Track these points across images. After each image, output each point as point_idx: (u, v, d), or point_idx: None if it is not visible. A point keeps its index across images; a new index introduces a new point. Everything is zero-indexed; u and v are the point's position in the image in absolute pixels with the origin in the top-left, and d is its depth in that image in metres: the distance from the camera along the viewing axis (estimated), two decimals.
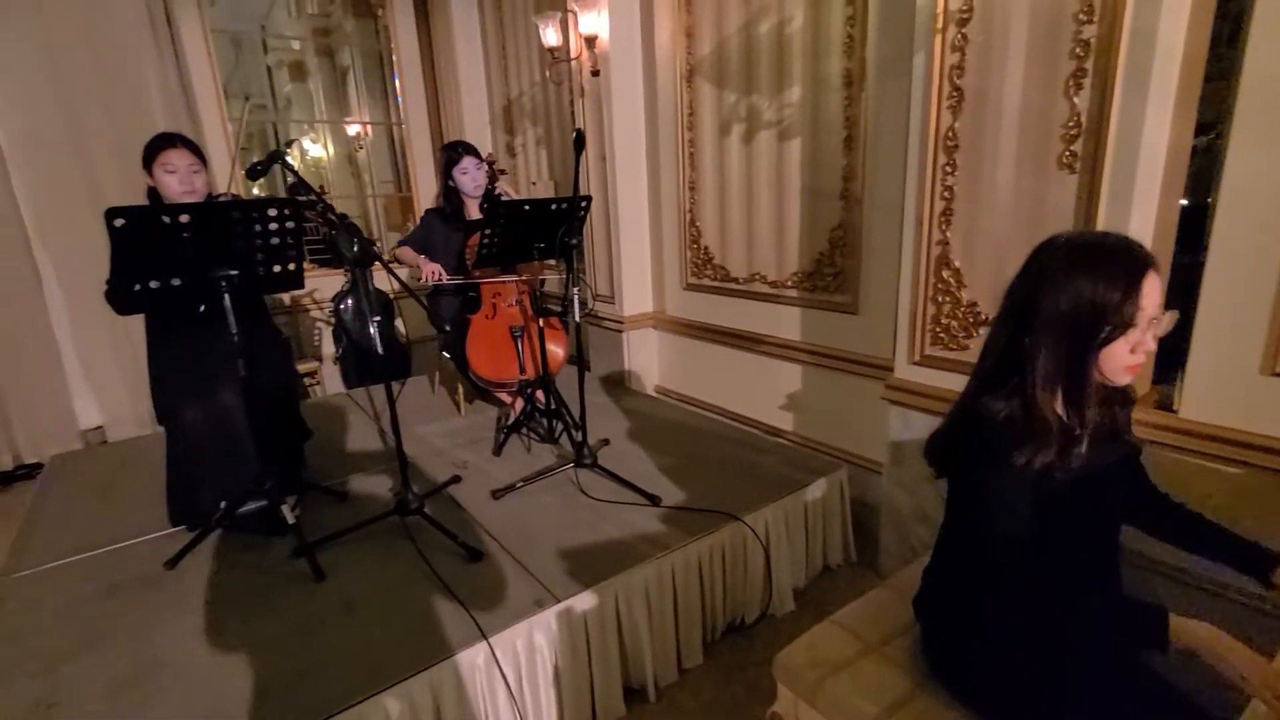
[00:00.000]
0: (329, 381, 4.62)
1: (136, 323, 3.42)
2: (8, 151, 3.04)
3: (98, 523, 2.21)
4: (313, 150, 8.24)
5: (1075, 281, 0.95)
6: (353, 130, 7.30)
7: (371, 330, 1.97)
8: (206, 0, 4.00)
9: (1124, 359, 0.97)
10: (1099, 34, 1.54)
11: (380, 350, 1.92)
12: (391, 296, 4.59)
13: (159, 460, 2.55)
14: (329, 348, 4.71)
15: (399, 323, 4.72)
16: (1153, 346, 0.98)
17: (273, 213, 1.79)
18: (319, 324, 4.73)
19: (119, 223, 1.54)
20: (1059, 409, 1.01)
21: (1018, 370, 1.01)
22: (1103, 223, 1.60)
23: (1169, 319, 0.99)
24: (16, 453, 3.26)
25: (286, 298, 4.43)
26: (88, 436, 3.46)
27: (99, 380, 3.38)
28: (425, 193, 5.07)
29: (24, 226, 3.13)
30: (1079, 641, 0.99)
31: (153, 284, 1.69)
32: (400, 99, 4.96)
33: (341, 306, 4.45)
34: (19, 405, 3.22)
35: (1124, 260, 0.95)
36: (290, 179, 1.86)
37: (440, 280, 2.64)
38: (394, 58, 4.86)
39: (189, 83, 3.61)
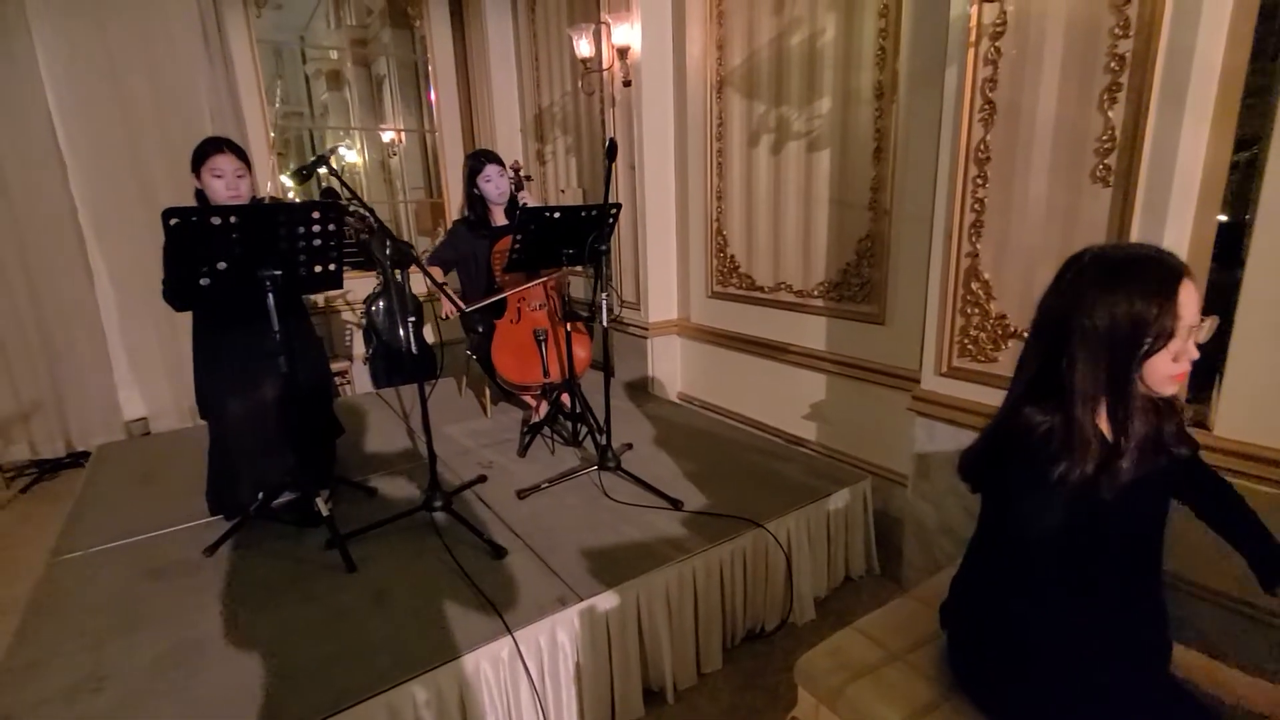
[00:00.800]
0: (359, 381, 4.73)
1: (183, 320, 3.55)
2: (68, 155, 3.20)
3: (141, 510, 2.30)
4: (348, 156, 8.47)
5: (1109, 298, 0.94)
6: (387, 137, 7.48)
7: (404, 331, 2.02)
8: (254, 13, 4.17)
9: (1168, 369, 0.96)
10: (1135, 48, 1.53)
11: (415, 350, 1.98)
12: (422, 300, 4.69)
13: (199, 452, 2.64)
14: (359, 348, 4.83)
15: (427, 325, 4.81)
16: (1195, 354, 0.97)
17: (316, 215, 1.86)
18: (350, 325, 4.85)
19: (174, 222, 1.62)
20: (1103, 425, 1.01)
21: (1058, 385, 1.00)
22: (1136, 237, 1.59)
23: (1209, 325, 0.98)
24: (68, 440, 3.41)
25: (320, 299, 4.55)
26: (130, 427, 3.59)
27: (144, 374, 3.51)
28: (457, 198, 5.18)
29: (79, 225, 3.29)
30: (1090, 658, 0.98)
31: (203, 281, 1.77)
32: (434, 107, 5.09)
33: (373, 308, 4.57)
34: (71, 395, 3.37)
35: (1157, 271, 0.95)
36: (324, 183, 1.94)
37: (452, 316, 2.56)
38: (429, 68, 4.99)
39: (235, 91, 3.76)
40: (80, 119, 3.18)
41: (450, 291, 2.64)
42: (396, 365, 4.58)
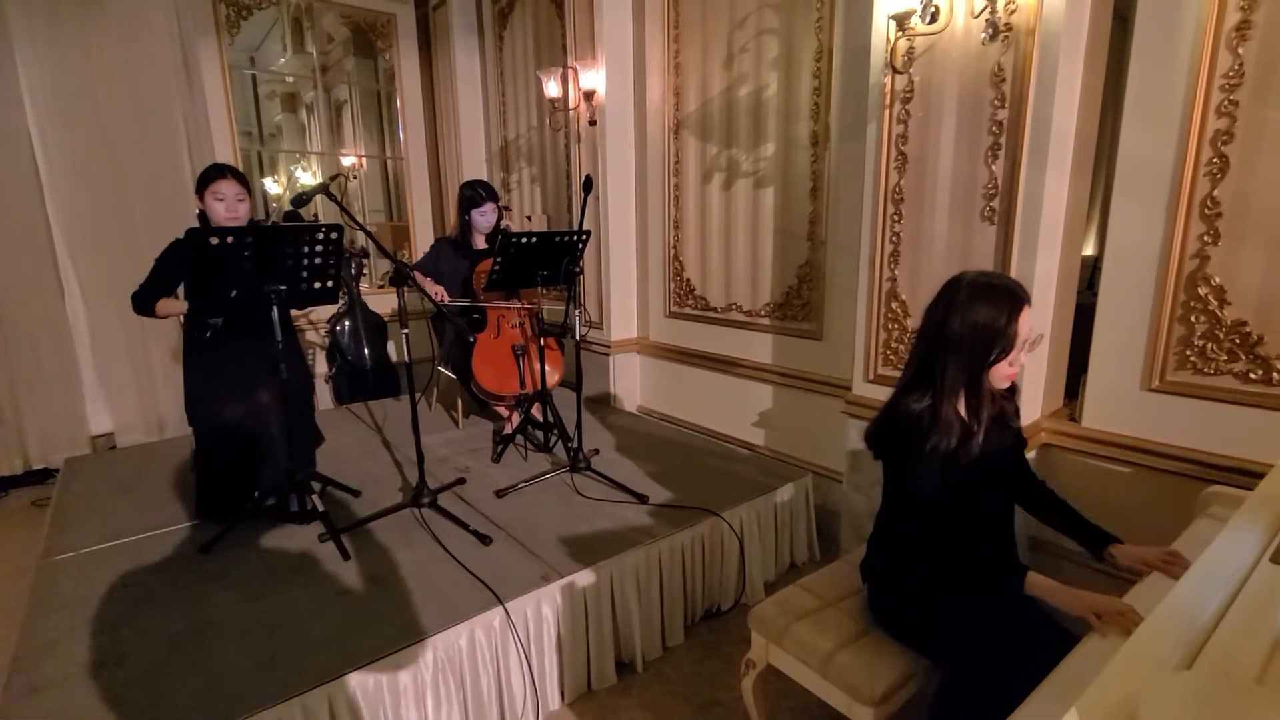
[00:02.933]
0: (321, 399, 4.80)
1: (154, 335, 3.62)
2: (45, 175, 3.26)
3: (126, 515, 2.37)
4: (303, 178, 8.49)
5: (974, 313, 1.27)
6: (347, 161, 7.58)
7: (369, 341, 2.21)
8: (226, 40, 4.32)
9: (1005, 371, 1.31)
10: (1009, 116, 1.93)
11: (408, 357, 2.18)
12: (385, 320, 4.82)
13: (171, 464, 2.75)
14: (321, 367, 4.90)
15: (390, 344, 4.93)
16: (1025, 362, 1.31)
17: (320, 237, 2.06)
18: (314, 345, 4.93)
19: (214, 241, 1.82)
20: (961, 410, 1.33)
21: (930, 379, 1.33)
22: (1014, 266, 1.97)
23: (1037, 341, 1.33)
24: (26, 457, 3.38)
25: None
26: (95, 443, 3.59)
27: (112, 389, 3.53)
28: (421, 222, 5.37)
29: (53, 243, 3.33)
30: (968, 588, 1.29)
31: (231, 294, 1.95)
32: (401, 135, 5.30)
33: (338, 328, 4.68)
34: (33, 411, 3.36)
35: (1008, 297, 1.28)
36: (281, 209, 2.18)
37: (444, 301, 2.90)
38: (397, 99, 5.21)
39: (206, 117, 3.87)
40: (60, 141, 3.25)
41: (432, 283, 2.90)
42: (360, 383, 4.69)
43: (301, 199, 2.21)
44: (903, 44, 2.09)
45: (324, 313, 4.70)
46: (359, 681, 1.52)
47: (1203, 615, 0.84)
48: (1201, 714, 0.63)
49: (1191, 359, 1.82)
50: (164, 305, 2.18)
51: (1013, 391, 1.45)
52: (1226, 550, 1.00)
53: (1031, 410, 2.12)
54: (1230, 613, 0.84)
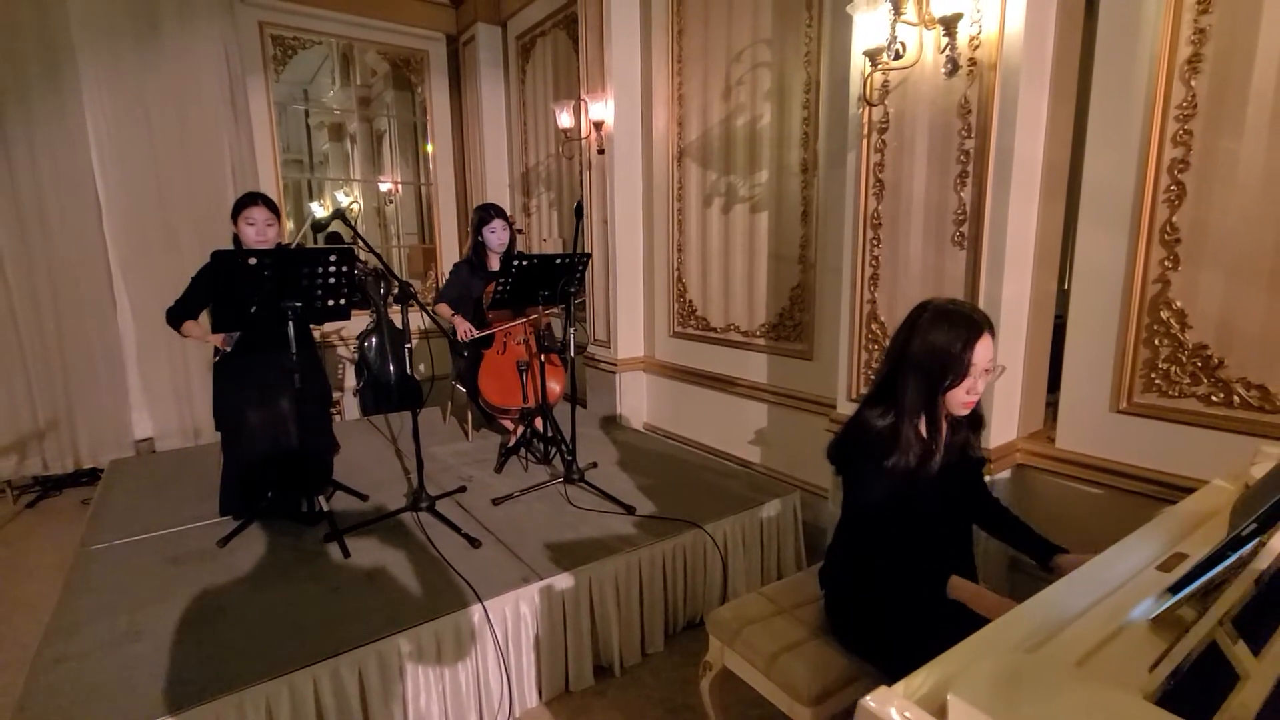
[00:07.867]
0: (349, 410, 5.05)
1: (193, 350, 3.89)
2: (104, 200, 3.61)
3: (157, 512, 2.59)
4: (344, 201, 8.98)
5: (932, 337, 1.33)
6: (384, 187, 8.00)
7: (391, 358, 2.39)
8: (273, 77, 4.67)
9: (961, 397, 1.35)
10: (975, 146, 2.01)
11: (409, 370, 2.35)
12: (412, 336, 5.07)
13: (204, 466, 2.96)
14: (350, 381, 5.16)
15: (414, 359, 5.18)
16: (982, 390, 1.36)
17: (332, 259, 2.26)
18: (343, 359, 5.20)
19: (251, 261, 2.03)
20: (922, 431, 1.40)
21: (892, 397, 1.38)
22: (983, 289, 2.03)
23: (998, 371, 1.37)
24: (78, 458, 3.68)
25: (317, 333, 4.91)
26: (138, 446, 3.88)
27: (155, 397, 3.83)
28: (448, 244, 5.63)
29: (109, 262, 3.66)
30: (896, 593, 1.36)
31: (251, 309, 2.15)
32: (431, 162, 5.60)
33: (365, 344, 4.93)
34: (86, 415, 3.67)
35: (966, 325, 1.32)
36: (329, 228, 2.38)
37: (472, 337, 3.05)
38: (428, 127, 5.51)
39: (252, 148, 4.21)
40: (118, 173, 3.61)
41: (462, 320, 3.05)
42: (384, 395, 4.92)
43: (319, 225, 2.42)
44: (878, 77, 2.20)
45: (354, 329, 4.96)
46: (341, 665, 1.66)
47: (1071, 610, 0.90)
48: (1006, 687, 0.70)
49: (1157, 382, 1.84)
50: (189, 327, 2.39)
51: (977, 422, 1.49)
52: (1120, 555, 1.05)
53: (1007, 431, 2.16)
54: (1095, 608, 0.90)
